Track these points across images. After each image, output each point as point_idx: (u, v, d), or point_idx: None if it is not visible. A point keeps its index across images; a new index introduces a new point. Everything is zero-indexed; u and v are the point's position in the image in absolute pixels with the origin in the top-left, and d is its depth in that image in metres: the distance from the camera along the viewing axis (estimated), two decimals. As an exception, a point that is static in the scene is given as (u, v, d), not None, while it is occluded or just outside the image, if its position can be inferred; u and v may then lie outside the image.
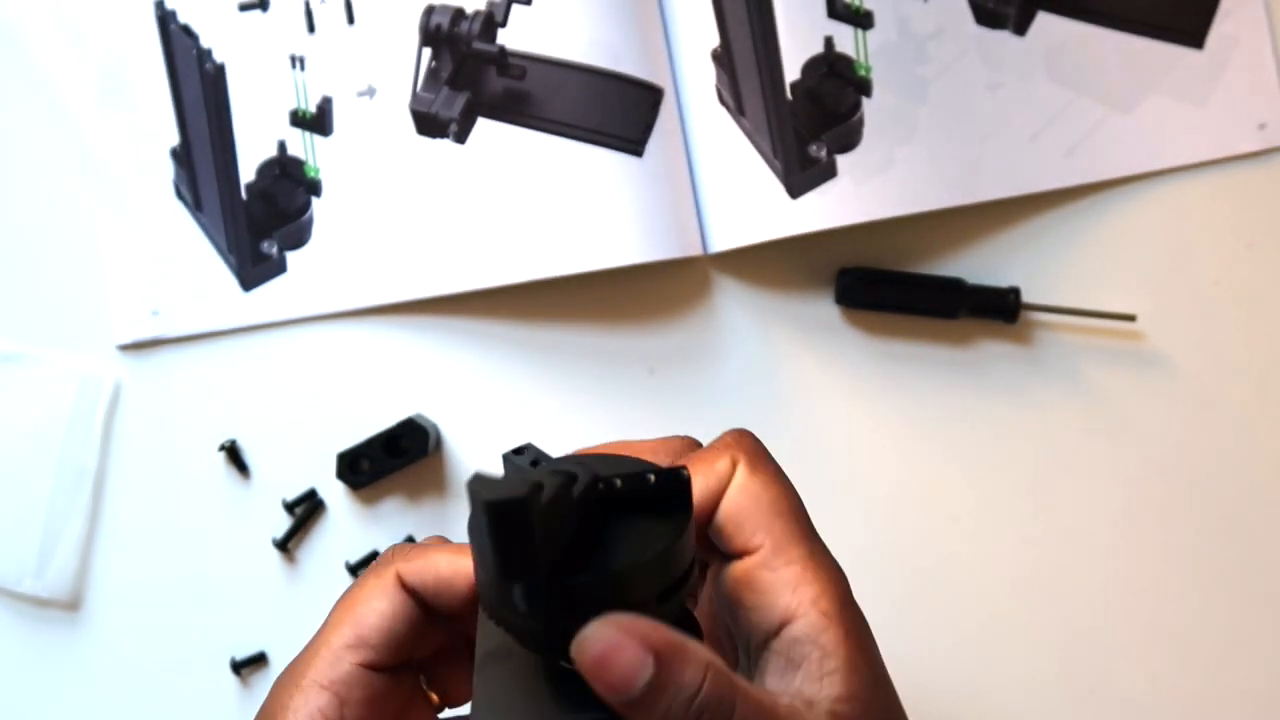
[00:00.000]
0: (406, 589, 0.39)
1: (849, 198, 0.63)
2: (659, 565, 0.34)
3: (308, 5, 0.66)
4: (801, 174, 0.63)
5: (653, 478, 0.35)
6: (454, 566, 0.39)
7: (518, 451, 0.37)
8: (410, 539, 0.65)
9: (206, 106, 0.65)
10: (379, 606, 0.39)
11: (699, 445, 0.42)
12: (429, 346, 0.65)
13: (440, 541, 0.42)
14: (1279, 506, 0.65)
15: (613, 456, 0.38)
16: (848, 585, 0.38)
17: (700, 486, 0.38)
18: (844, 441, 0.65)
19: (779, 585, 0.37)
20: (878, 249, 0.65)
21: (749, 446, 0.40)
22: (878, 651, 0.38)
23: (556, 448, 0.65)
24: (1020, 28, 0.65)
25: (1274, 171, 0.66)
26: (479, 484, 0.30)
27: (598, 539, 0.34)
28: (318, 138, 0.65)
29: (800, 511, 0.39)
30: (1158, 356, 0.65)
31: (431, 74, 0.65)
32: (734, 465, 0.39)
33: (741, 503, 0.38)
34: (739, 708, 0.33)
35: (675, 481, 0.35)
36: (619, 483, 0.35)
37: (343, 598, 0.40)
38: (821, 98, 0.64)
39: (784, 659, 0.36)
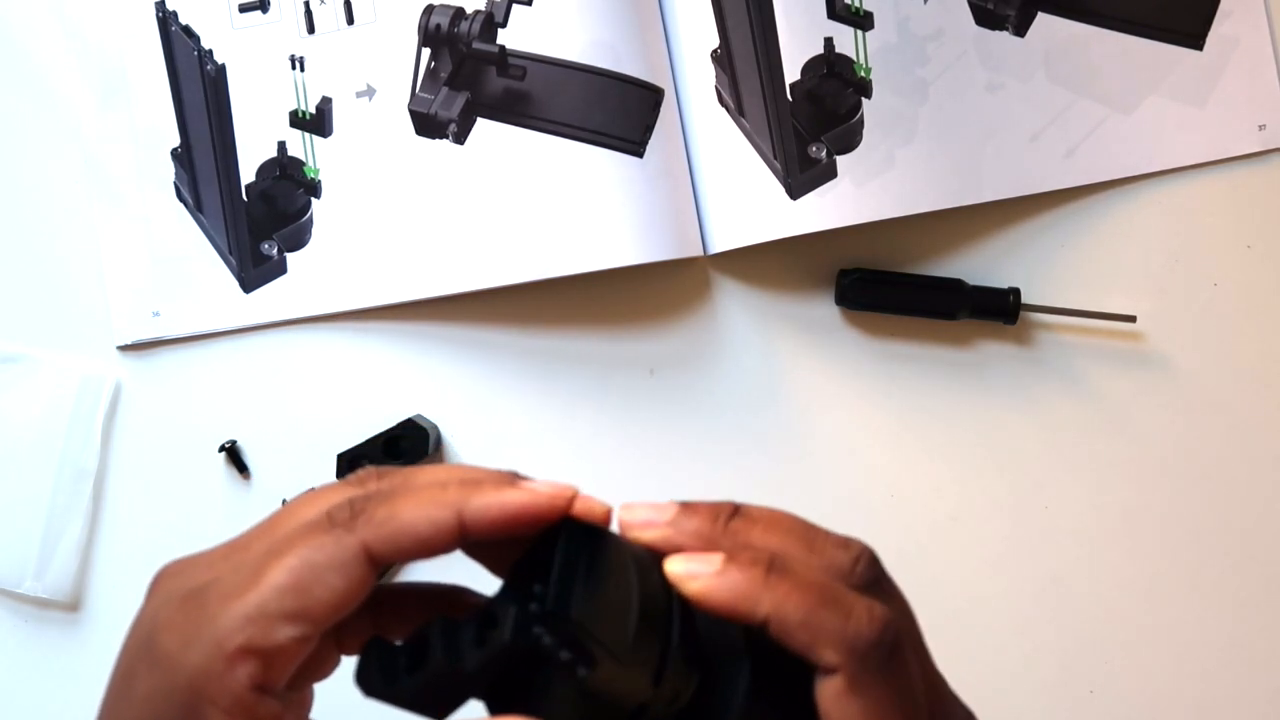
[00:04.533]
0: (371, 561, 0.34)
1: (849, 198, 0.63)
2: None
3: (307, 6, 0.66)
4: (801, 175, 0.63)
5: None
6: (435, 528, 0.34)
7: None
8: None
9: (207, 107, 0.65)
10: (333, 582, 0.34)
11: (878, 571, 0.37)
12: (429, 347, 0.65)
13: (405, 480, 0.36)
14: (1278, 506, 0.65)
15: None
16: None
17: (795, 646, 0.34)
18: (844, 442, 0.65)
19: None
20: (878, 250, 0.65)
21: (865, 657, 0.34)
22: None
23: (558, 448, 0.65)
24: (1020, 29, 0.65)
25: (1274, 172, 0.66)
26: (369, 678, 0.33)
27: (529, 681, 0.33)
28: (317, 138, 0.65)
29: None
30: (1158, 357, 0.65)
31: (431, 74, 0.65)
32: (836, 670, 0.34)
33: (834, 715, 0.34)
34: None
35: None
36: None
37: (288, 547, 0.34)
38: (821, 98, 0.64)
39: None
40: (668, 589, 0.35)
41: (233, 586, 0.34)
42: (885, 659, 0.34)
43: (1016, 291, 0.64)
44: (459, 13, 0.65)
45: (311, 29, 0.65)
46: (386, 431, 0.63)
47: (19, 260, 0.66)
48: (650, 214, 0.63)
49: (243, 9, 0.65)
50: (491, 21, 0.65)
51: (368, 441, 0.63)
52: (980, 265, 0.66)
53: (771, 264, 0.66)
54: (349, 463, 0.63)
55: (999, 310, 0.64)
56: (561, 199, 0.64)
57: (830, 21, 0.64)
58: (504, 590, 0.35)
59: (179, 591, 0.35)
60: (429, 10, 0.65)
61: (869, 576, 0.36)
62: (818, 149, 0.64)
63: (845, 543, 0.36)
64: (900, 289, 0.64)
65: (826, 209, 0.63)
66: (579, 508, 0.35)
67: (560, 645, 0.32)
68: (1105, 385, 0.65)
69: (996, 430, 0.65)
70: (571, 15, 0.64)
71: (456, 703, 0.33)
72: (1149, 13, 0.65)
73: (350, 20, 0.66)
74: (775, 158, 0.64)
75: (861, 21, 0.65)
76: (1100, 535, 0.65)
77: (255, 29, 0.65)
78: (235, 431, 0.65)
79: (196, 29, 0.65)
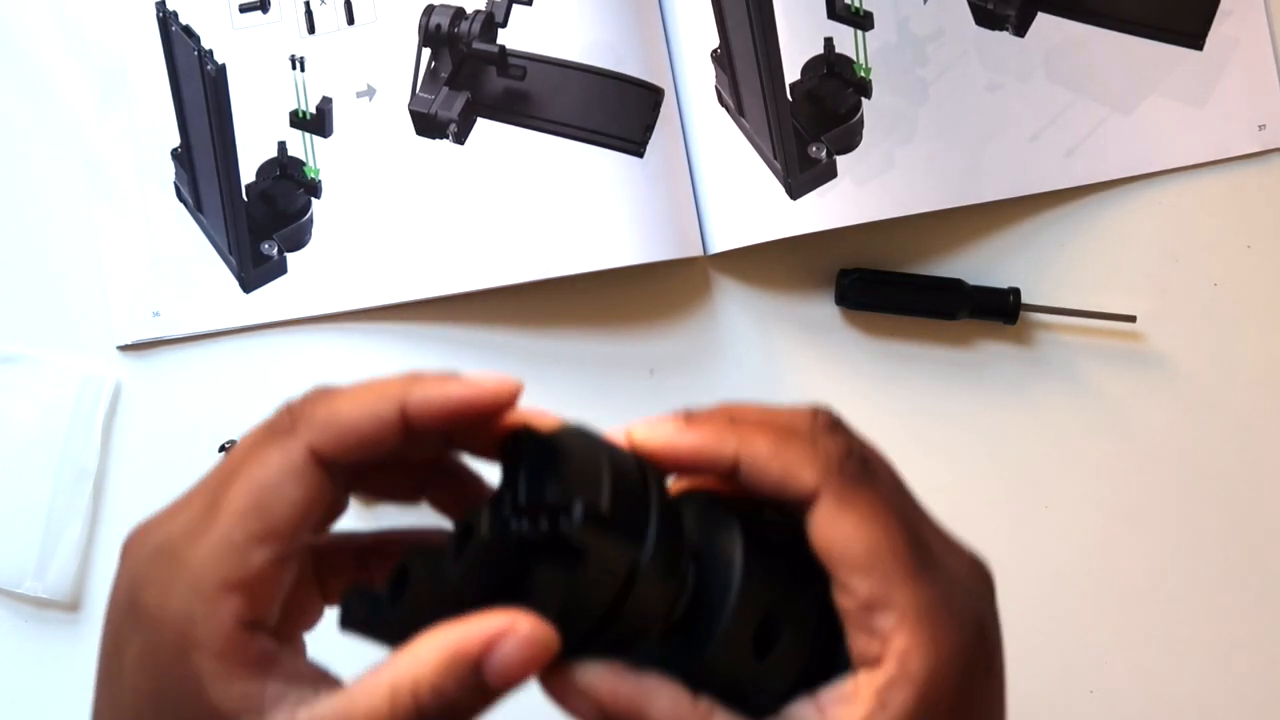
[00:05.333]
0: (321, 463, 0.33)
1: (849, 198, 0.63)
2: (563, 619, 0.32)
3: (308, 6, 0.66)
4: (801, 175, 0.63)
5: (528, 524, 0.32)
6: (377, 421, 0.34)
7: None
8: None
9: (207, 107, 0.65)
10: (291, 495, 0.33)
11: (835, 421, 0.37)
12: (429, 347, 0.65)
13: (348, 386, 0.35)
14: (1278, 506, 0.65)
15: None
16: (966, 643, 0.34)
17: (772, 482, 0.34)
18: (844, 442, 0.65)
19: (872, 630, 0.34)
20: (878, 249, 0.65)
21: (841, 469, 0.35)
22: None
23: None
24: (1020, 29, 0.65)
25: (1274, 172, 0.66)
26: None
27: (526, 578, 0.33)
28: (317, 138, 0.65)
29: (908, 545, 0.34)
30: (1158, 357, 0.65)
31: (431, 74, 0.65)
32: (818, 491, 0.34)
33: (834, 541, 0.34)
34: None
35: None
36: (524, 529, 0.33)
37: (238, 471, 0.34)
38: (821, 99, 0.64)
39: (849, 691, 0.34)
40: (642, 467, 0.35)
41: (197, 526, 0.33)
42: (860, 470, 0.35)
43: (1016, 291, 0.64)
44: (459, 13, 0.65)
45: (312, 29, 0.65)
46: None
47: (19, 260, 0.66)
48: (650, 214, 0.63)
49: (243, 9, 0.65)
50: (491, 21, 0.65)
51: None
52: (980, 265, 0.66)
53: (771, 264, 0.66)
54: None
55: (999, 310, 0.64)
56: (561, 199, 0.64)
57: (830, 21, 0.65)
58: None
59: (149, 548, 0.34)
60: (429, 10, 0.65)
61: (829, 421, 0.37)
62: (818, 149, 0.64)
63: (802, 406, 0.37)
64: (900, 289, 0.64)
65: (826, 209, 0.63)
66: (530, 420, 0.36)
67: (538, 522, 0.32)
68: (1105, 385, 0.65)
69: (996, 430, 0.65)
70: (571, 15, 0.64)
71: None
72: (1149, 13, 0.65)
73: (350, 20, 0.66)
74: (775, 158, 0.64)
75: (861, 21, 0.65)
76: (1100, 535, 0.65)
77: (255, 29, 0.65)
78: (235, 431, 0.65)
79: (196, 29, 0.65)
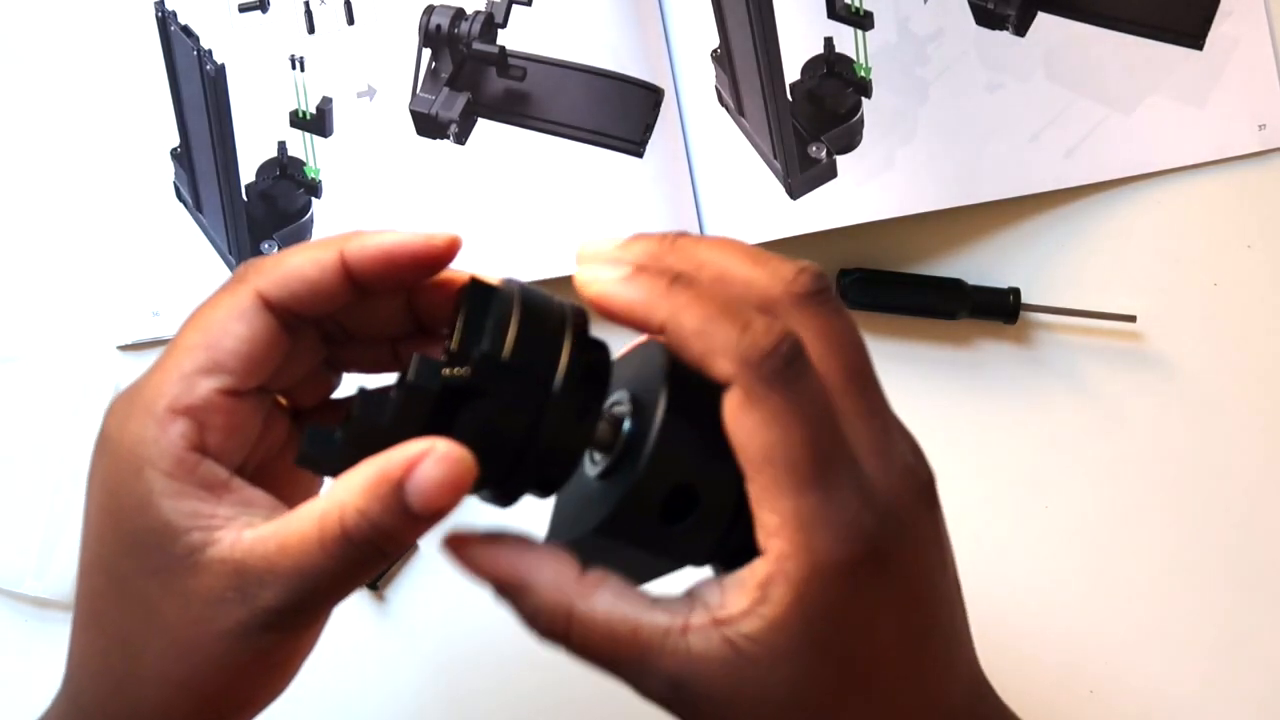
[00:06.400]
0: (269, 308, 0.37)
1: (849, 198, 0.63)
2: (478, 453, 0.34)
3: (307, 6, 0.66)
4: (801, 175, 0.63)
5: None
6: (319, 266, 0.37)
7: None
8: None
9: (206, 107, 0.65)
10: (237, 330, 0.36)
11: (810, 292, 0.36)
12: (429, 347, 0.65)
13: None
14: (1278, 506, 0.65)
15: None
16: (849, 559, 0.34)
17: (692, 359, 0.35)
18: (844, 442, 0.65)
19: (763, 525, 0.34)
20: (878, 249, 0.65)
21: (759, 365, 0.34)
22: (872, 664, 0.35)
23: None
24: (1020, 28, 0.65)
25: (1274, 172, 0.66)
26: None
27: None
28: (317, 138, 0.65)
29: (808, 454, 0.33)
30: (1158, 356, 0.66)
31: (431, 75, 0.65)
32: (731, 382, 0.34)
33: (735, 434, 0.34)
34: (574, 638, 0.35)
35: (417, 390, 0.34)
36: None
37: (191, 320, 0.37)
38: (821, 98, 0.64)
39: (744, 577, 0.35)
40: (568, 318, 0.37)
41: (156, 366, 0.37)
42: (780, 370, 0.34)
43: (1016, 291, 0.64)
44: (459, 13, 0.65)
45: (312, 29, 0.66)
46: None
47: (18, 260, 0.66)
48: (650, 214, 0.63)
49: (242, 9, 0.65)
50: (491, 22, 0.65)
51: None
52: (980, 265, 0.66)
53: (771, 264, 0.66)
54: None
55: (999, 310, 0.64)
56: (561, 199, 0.64)
57: (830, 21, 0.65)
58: None
59: (121, 394, 0.38)
60: (429, 11, 0.65)
61: (811, 287, 0.36)
62: (818, 149, 0.64)
63: (793, 260, 0.37)
64: (900, 289, 0.64)
65: (826, 209, 0.63)
66: (479, 275, 0.37)
67: (453, 368, 0.34)
68: (1105, 385, 0.65)
69: (996, 430, 0.65)
70: (571, 15, 0.64)
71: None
72: (1149, 13, 0.65)
73: (350, 20, 0.66)
74: (775, 158, 0.64)
75: (861, 21, 0.65)
76: (1100, 535, 0.65)
77: (255, 29, 0.65)
78: (235, 431, 0.65)
79: (196, 29, 0.65)
